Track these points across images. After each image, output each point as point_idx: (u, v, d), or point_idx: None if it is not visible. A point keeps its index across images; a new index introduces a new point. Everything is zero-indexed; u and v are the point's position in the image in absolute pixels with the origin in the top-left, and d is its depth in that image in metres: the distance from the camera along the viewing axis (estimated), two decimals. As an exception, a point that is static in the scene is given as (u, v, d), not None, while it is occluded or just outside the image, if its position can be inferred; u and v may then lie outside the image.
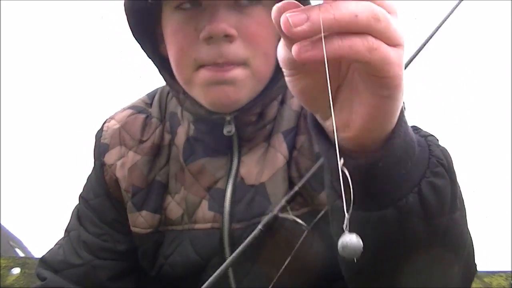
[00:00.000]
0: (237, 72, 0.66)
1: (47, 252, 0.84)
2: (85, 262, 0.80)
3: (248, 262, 0.72)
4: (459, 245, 0.50)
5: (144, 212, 0.77)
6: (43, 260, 0.83)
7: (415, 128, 0.50)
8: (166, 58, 0.72)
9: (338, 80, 0.40)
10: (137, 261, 0.83)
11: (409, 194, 0.44)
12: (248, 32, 0.65)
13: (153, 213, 0.77)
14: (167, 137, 0.79)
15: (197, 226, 0.74)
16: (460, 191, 0.50)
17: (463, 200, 0.50)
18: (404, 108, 0.81)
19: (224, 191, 0.74)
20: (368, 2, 0.34)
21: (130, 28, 0.72)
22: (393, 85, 0.37)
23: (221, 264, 0.67)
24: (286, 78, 0.41)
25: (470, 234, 0.55)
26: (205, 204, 0.74)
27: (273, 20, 0.35)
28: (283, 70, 0.40)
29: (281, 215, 0.67)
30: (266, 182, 0.73)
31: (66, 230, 0.84)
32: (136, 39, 0.73)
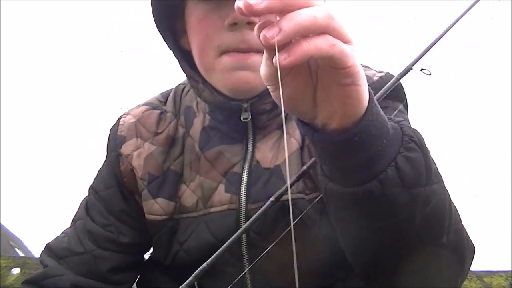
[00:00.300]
0: (257, 59, 0.69)
1: (53, 239, 0.86)
2: (87, 251, 0.82)
3: (262, 241, 0.73)
4: (442, 215, 0.56)
5: (159, 199, 0.80)
6: (47, 247, 0.85)
7: (389, 118, 0.56)
8: (186, 50, 0.77)
9: (312, 85, 0.48)
10: (138, 256, 0.85)
11: (388, 167, 0.51)
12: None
13: (168, 200, 0.80)
14: (181, 130, 0.83)
15: (213, 209, 0.76)
16: (436, 168, 0.57)
17: (441, 177, 0.57)
18: (407, 108, 0.81)
19: (240, 174, 0.77)
20: (324, 7, 0.41)
21: (155, 23, 0.77)
22: (352, 73, 0.44)
23: (237, 245, 0.71)
24: (272, 93, 0.49)
25: (457, 212, 0.60)
26: (221, 187, 0.77)
27: (257, 37, 0.42)
28: (268, 86, 0.48)
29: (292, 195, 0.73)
30: (281, 165, 0.76)
31: (73, 220, 0.86)
32: (160, 33, 0.78)
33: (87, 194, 0.88)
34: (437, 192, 0.55)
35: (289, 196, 0.71)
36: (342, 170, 0.52)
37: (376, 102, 0.50)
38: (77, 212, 0.87)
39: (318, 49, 0.41)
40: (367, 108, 0.48)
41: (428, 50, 0.64)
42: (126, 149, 0.83)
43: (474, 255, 0.63)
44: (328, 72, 0.45)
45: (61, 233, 0.87)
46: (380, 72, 0.80)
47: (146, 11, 0.79)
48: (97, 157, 0.91)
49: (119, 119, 0.87)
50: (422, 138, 0.55)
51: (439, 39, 0.66)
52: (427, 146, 0.55)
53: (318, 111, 0.49)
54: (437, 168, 0.57)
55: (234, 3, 0.66)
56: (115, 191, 0.84)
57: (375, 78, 0.79)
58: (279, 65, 0.41)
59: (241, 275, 0.68)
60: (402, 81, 0.68)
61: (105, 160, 0.87)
